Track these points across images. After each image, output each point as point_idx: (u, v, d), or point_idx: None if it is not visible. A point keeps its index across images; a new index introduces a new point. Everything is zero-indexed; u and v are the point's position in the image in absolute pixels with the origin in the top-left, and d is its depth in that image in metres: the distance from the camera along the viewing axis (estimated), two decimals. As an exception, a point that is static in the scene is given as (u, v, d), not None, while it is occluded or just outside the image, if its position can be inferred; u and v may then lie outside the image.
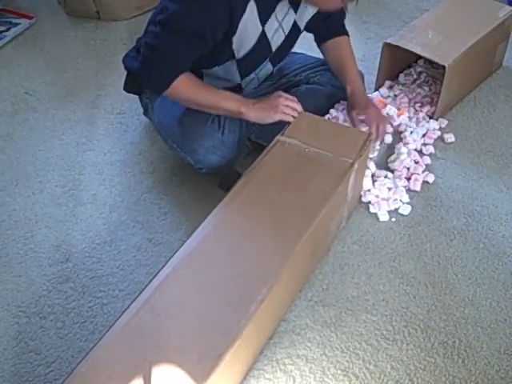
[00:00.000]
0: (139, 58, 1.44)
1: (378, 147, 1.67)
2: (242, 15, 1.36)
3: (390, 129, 1.71)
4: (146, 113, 1.72)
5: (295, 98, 1.49)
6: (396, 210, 1.55)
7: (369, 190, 1.56)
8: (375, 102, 1.81)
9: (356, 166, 1.35)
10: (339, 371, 1.21)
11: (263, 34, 1.44)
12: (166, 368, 0.98)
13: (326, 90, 1.70)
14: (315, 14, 1.54)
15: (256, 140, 1.66)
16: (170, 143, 1.59)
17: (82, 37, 2.34)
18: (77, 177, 1.69)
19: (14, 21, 2.41)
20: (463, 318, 1.30)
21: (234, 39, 1.40)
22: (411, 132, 1.76)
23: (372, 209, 1.54)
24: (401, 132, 1.77)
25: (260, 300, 1.07)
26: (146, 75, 1.45)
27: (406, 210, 1.54)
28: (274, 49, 1.51)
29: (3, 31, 2.35)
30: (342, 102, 1.75)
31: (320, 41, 1.70)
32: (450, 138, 1.76)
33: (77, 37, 2.34)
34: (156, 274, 1.12)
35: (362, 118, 1.59)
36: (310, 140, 1.40)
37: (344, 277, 1.39)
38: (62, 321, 1.32)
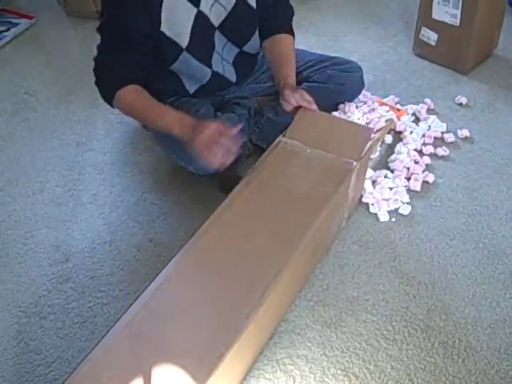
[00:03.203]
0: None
1: (378, 147, 1.67)
2: (161, 3, 1.36)
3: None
4: (144, 126, 1.72)
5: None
6: (396, 209, 1.55)
7: (370, 192, 1.56)
8: (375, 102, 1.81)
9: (358, 166, 1.35)
10: (339, 371, 1.21)
11: (200, 14, 1.42)
12: (167, 369, 0.98)
13: (326, 87, 1.69)
14: None
15: (256, 142, 1.66)
16: (170, 154, 1.58)
17: (82, 37, 2.34)
18: (77, 177, 1.69)
19: (14, 21, 2.42)
20: (463, 318, 1.30)
21: (163, 29, 1.39)
22: (411, 132, 1.76)
23: (372, 209, 1.54)
24: (401, 132, 1.77)
25: (260, 302, 1.07)
26: (97, 86, 1.47)
27: (406, 210, 1.54)
28: (216, 24, 1.48)
29: (3, 31, 2.35)
30: (346, 103, 1.75)
31: (262, 36, 1.60)
32: (449, 137, 1.76)
33: (77, 37, 2.35)
34: (157, 275, 1.12)
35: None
36: (311, 141, 1.39)
37: (344, 277, 1.39)
38: (62, 321, 1.32)
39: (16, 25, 2.39)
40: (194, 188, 1.62)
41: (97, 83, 1.47)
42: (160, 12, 1.37)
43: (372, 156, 1.63)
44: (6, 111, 1.96)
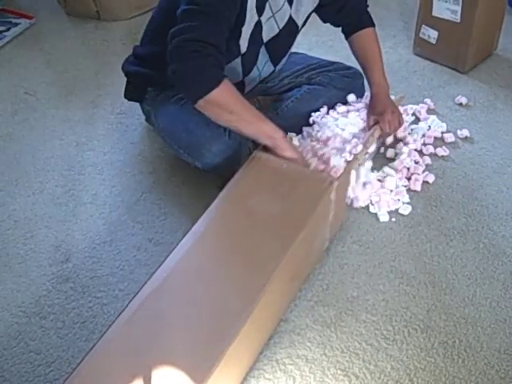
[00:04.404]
0: (171, 65, 1.28)
1: (374, 144, 1.65)
2: (247, 2, 1.33)
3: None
4: (148, 120, 1.71)
5: None
6: (396, 210, 1.55)
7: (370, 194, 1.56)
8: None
9: (336, 183, 1.28)
10: (339, 371, 1.21)
11: (258, 23, 1.40)
12: (165, 369, 0.98)
13: (328, 91, 1.69)
14: (320, 6, 1.54)
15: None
16: (175, 148, 1.56)
17: (82, 37, 2.34)
18: (77, 177, 1.69)
19: (14, 21, 2.42)
20: (463, 318, 1.30)
21: (244, 29, 1.36)
22: (411, 132, 1.76)
23: (372, 209, 1.54)
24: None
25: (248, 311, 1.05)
26: (185, 76, 1.28)
27: (406, 210, 1.54)
28: (265, 39, 1.48)
29: (3, 31, 2.35)
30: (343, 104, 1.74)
31: (345, 35, 1.68)
32: (449, 137, 1.76)
33: (77, 37, 2.35)
34: (152, 274, 1.12)
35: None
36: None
37: (344, 277, 1.39)
38: (62, 321, 1.31)
39: (16, 25, 2.39)
40: (193, 188, 1.62)
41: (189, 71, 1.27)
42: (246, 12, 1.33)
43: (369, 150, 1.60)
44: (6, 111, 1.96)
